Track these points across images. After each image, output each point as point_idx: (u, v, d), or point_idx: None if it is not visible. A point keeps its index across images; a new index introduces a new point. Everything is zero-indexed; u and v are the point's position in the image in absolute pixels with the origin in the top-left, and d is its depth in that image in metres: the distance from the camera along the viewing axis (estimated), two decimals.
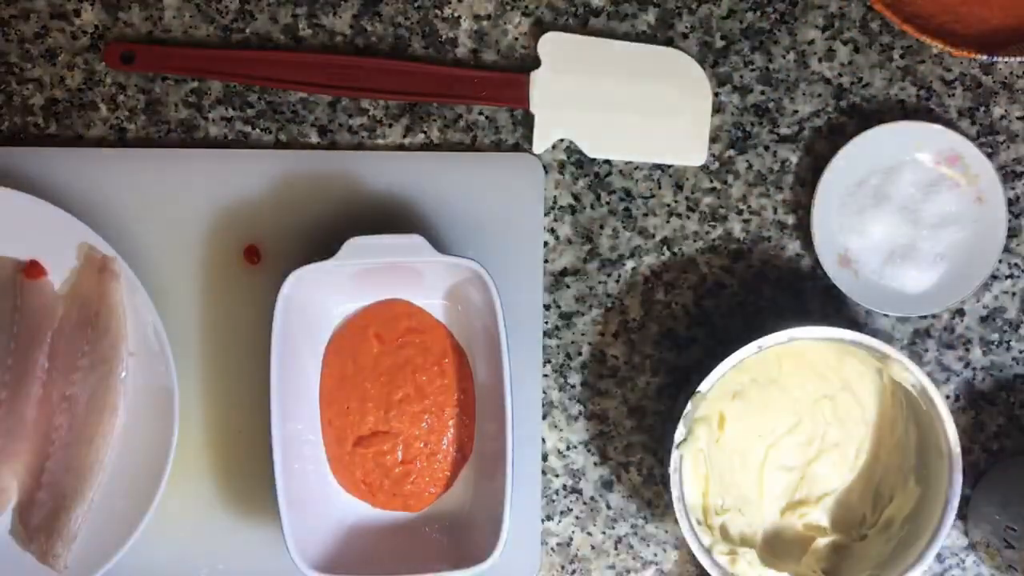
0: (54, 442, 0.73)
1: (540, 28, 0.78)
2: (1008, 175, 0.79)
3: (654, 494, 0.79)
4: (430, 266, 0.72)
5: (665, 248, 0.79)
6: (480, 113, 0.78)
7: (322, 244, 0.74)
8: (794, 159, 0.79)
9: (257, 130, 0.78)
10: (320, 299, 0.75)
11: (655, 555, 0.79)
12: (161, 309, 0.74)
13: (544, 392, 0.79)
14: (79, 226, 0.72)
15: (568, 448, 0.79)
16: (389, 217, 0.77)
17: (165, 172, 0.77)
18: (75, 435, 0.73)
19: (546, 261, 0.79)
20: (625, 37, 0.78)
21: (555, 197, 0.78)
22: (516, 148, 0.78)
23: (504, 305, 0.71)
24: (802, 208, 0.78)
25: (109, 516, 0.73)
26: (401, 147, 0.78)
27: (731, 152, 0.79)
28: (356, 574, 0.71)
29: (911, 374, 0.71)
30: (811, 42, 0.78)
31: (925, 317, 0.79)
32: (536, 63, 0.77)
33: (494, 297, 0.70)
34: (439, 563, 0.71)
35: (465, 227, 0.77)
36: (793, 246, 0.79)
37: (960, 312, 0.79)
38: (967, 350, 0.79)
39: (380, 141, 0.78)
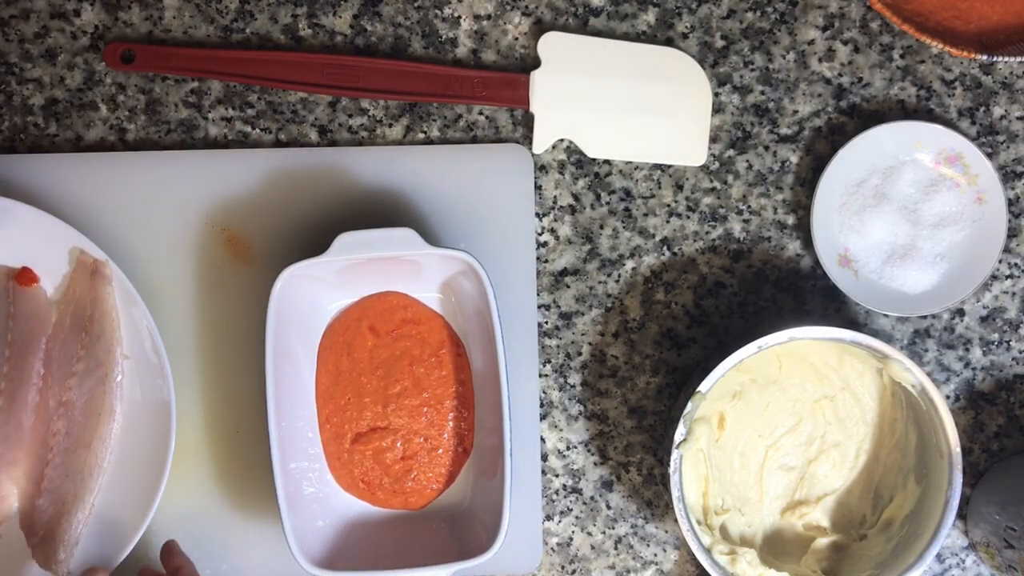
0: (52, 448, 0.73)
1: (540, 28, 0.78)
2: (1008, 175, 0.79)
3: (654, 494, 0.79)
4: (423, 259, 0.72)
5: (665, 248, 0.79)
6: (480, 113, 0.78)
7: (315, 240, 0.74)
8: (794, 159, 0.79)
9: (257, 130, 0.78)
10: (314, 296, 0.75)
11: (655, 555, 0.79)
12: (157, 310, 0.74)
13: (544, 392, 0.79)
14: (69, 231, 0.72)
15: (568, 448, 0.79)
16: (381, 211, 0.77)
17: (157, 174, 0.77)
18: (73, 440, 0.73)
19: (546, 261, 0.79)
20: (625, 37, 0.78)
21: (555, 197, 0.78)
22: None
23: (499, 295, 0.71)
24: (802, 208, 0.78)
25: (110, 522, 0.73)
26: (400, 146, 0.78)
27: (731, 152, 0.79)
28: (358, 569, 0.71)
29: (911, 374, 0.71)
30: (811, 42, 0.78)
31: (925, 317, 0.79)
32: (536, 63, 0.77)
33: (486, 283, 0.70)
34: (440, 556, 0.71)
35: (457, 219, 0.77)
36: (793, 246, 0.79)
37: (960, 312, 0.79)
38: (967, 350, 0.79)
39: (380, 141, 0.78)
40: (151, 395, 0.73)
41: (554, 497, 0.79)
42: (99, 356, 0.73)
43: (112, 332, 0.73)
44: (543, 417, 0.79)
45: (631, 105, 0.78)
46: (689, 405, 0.71)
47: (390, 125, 0.78)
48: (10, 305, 0.73)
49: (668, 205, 0.79)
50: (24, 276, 0.73)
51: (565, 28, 0.78)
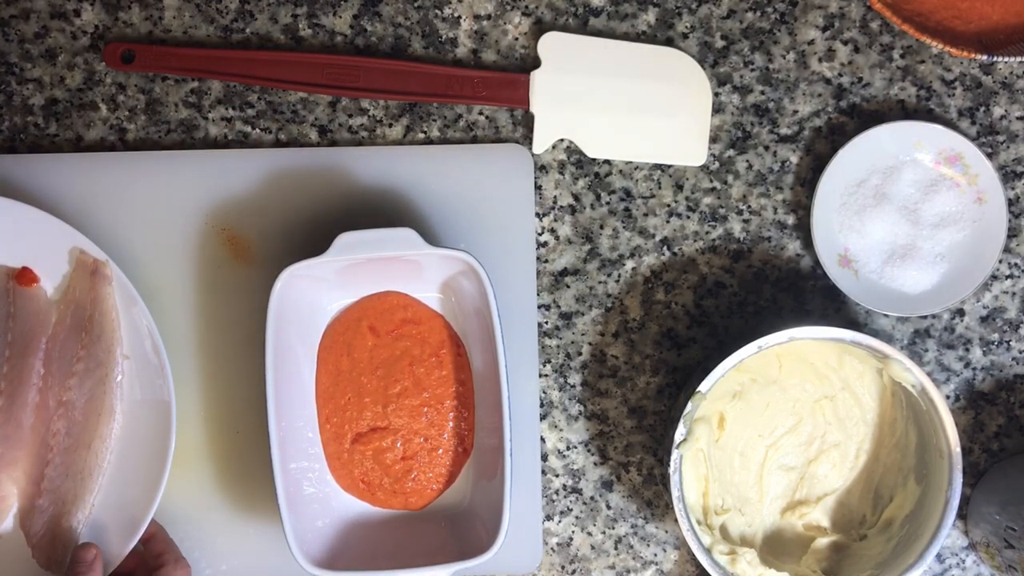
0: (53, 448, 0.73)
1: (540, 28, 0.78)
2: (1008, 175, 0.79)
3: (654, 494, 0.79)
4: (423, 259, 0.72)
5: (665, 248, 0.79)
6: (480, 113, 0.78)
7: (315, 240, 0.74)
8: (794, 159, 0.79)
9: (257, 130, 0.78)
10: (314, 296, 0.75)
11: (655, 555, 0.79)
12: (157, 310, 0.74)
13: (544, 392, 0.79)
14: (69, 231, 0.72)
15: (568, 448, 0.79)
16: (381, 211, 0.77)
17: (157, 174, 0.77)
18: (73, 440, 0.73)
19: (546, 261, 0.79)
20: (625, 37, 0.78)
21: (555, 197, 0.78)
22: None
23: (499, 295, 0.71)
24: (802, 208, 0.78)
25: (110, 521, 0.73)
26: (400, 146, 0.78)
27: (731, 152, 0.79)
28: (358, 569, 0.71)
29: (911, 374, 0.71)
30: (811, 42, 0.78)
31: (925, 317, 0.79)
32: (536, 63, 0.77)
33: (486, 283, 0.70)
34: (440, 556, 0.71)
35: (457, 219, 0.77)
36: (793, 246, 0.79)
37: (960, 312, 0.79)
38: (967, 350, 0.79)
39: (380, 141, 0.78)
40: (151, 395, 0.73)
41: (554, 497, 0.79)
42: (99, 356, 0.73)
43: (112, 332, 0.73)
44: (543, 417, 0.79)
45: (631, 105, 0.78)
46: (689, 405, 0.71)
47: (390, 125, 0.78)
48: (10, 305, 0.73)
49: (668, 205, 0.79)
50: (24, 276, 0.73)
51: (565, 28, 0.78)
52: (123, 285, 0.73)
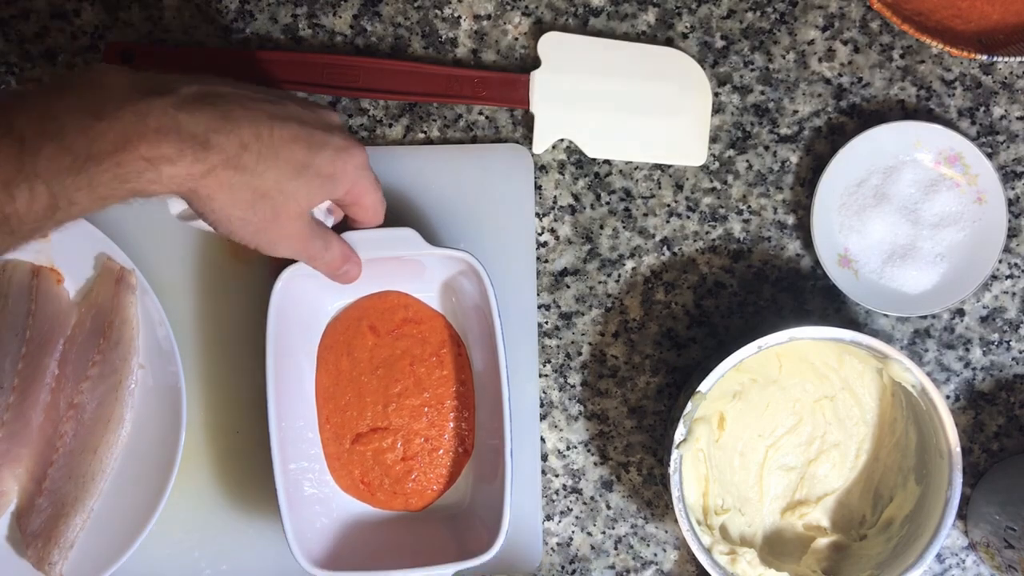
0: (58, 449, 0.73)
1: (540, 28, 0.78)
2: (1008, 175, 0.79)
3: (654, 494, 0.79)
4: (424, 259, 0.72)
5: (665, 248, 0.79)
6: (480, 113, 0.78)
7: None
8: (794, 159, 0.79)
9: None
10: (314, 296, 0.75)
11: (655, 555, 0.79)
12: None
13: (544, 392, 0.79)
14: (99, 236, 0.72)
15: (568, 448, 0.79)
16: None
17: None
18: (80, 443, 0.73)
19: (546, 261, 0.79)
20: (625, 37, 0.78)
21: (555, 197, 0.78)
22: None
23: (499, 295, 0.71)
24: (802, 208, 0.78)
25: (110, 524, 0.73)
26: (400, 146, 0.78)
27: (731, 152, 0.79)
28: (359, 569, 0.71)
29: (911, 374, 0.71)
30: (811, 42, 0.78)
31: (925, 317, 0.79)
32: (536, 63, 0.77)
33: (486, 283, 0.70)
34: (440, 556, 0.71)
35: (457, 219, 0.77)
36: (793, 246, 0.79)
37: (960, 312, 0.79)
38: (967, 350, 0.79)
39: (380, 141, 0.78)
40: (162, 382, 0.73)
41: (554, 497, 0.79)
42: (115, 363, 0.73)
43: (130, 341, 0.73)
44: (543, 417, 0.79)
45: (631, 105, 0.78)
46: (689, 405, 0.71)
47: (390, 125, 0.78)
48: (32, 303, 0.73)
49: (668, 205, 0.79)
50: (49, 275, 0.74)
51: (565, 28, 0.78)
52: (143, 289, 0.73)
